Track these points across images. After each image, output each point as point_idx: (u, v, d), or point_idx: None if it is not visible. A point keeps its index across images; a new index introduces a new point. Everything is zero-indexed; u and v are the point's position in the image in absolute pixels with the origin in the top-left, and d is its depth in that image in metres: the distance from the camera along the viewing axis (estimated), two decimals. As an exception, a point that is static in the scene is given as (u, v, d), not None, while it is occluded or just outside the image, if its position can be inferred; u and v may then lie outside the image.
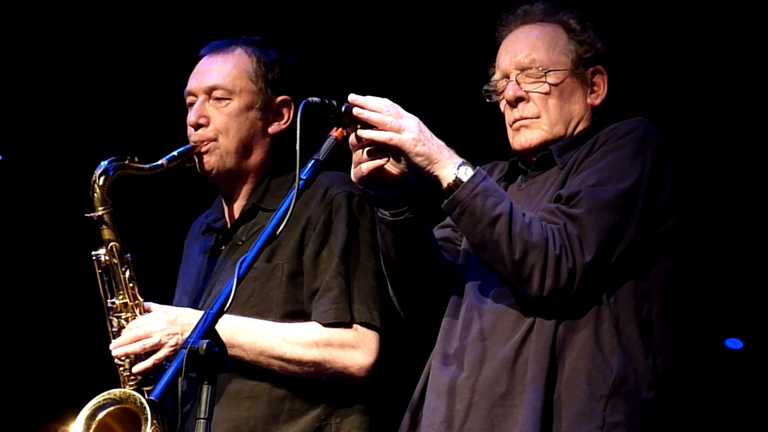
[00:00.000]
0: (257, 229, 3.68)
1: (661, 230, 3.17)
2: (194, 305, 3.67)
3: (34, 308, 5.60)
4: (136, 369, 3.54)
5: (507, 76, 3.37)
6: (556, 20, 3.39)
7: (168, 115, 4.12)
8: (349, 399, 3.58)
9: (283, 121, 3.75)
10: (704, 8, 4.86)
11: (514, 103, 3.34)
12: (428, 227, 3.26)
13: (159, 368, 3.52)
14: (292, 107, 3.73)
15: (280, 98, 3.73)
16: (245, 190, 3.75)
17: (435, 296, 3.31)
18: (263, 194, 3.72)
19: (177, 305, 3.69)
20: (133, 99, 5.44)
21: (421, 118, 3.10)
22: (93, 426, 3.32)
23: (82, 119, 5.50)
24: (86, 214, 3.57)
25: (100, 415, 3.33)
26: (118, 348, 3.55)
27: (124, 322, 3.59)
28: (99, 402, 3.34)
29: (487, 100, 3.44)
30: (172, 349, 3.51)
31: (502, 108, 3.41)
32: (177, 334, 3.52)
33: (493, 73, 3.44)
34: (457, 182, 3.08)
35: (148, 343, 3.52)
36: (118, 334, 3.59)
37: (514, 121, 3.36)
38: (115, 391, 3.37)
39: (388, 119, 3.05)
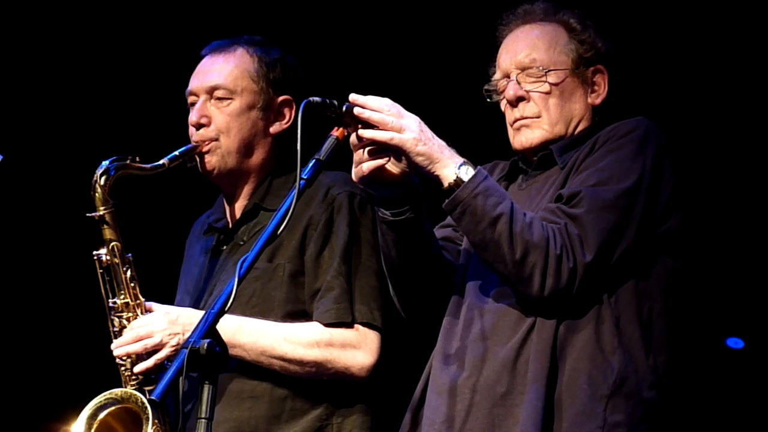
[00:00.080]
0: (259, 228, 3.67)
1: (661, 230, 3.17)
2: (195, 305, 3.67)
3: (35, 308, 5.59)
4: (137, 369, 3.54)
5: (507, 76, 3.37)
6: (556, 20, 3.39)
7: (169, 115, 4.12)
8: (351, 399, 3.58)
9: (285, 120, 3.75)
10: (704, 8, 4.85)
11: (514, 102, 3.34)
12: (429, 227, 3.26)
13: (160, 368, 3.52)
14: (294, 107, 3.73)
15: (281, 98, 3.73)
16: (247, 189, 3.74)
17: (436, 296, 3.31)
18: (265, 194, 3.71)
19: (178, 305, 3.69)
20: (135, 99, 5.43)
21: (421, 118, 3.10)
22: (94, 426, 3.33)
23: (84, 119, 5.49)
24: (87, 214, 3.57)
25: (102, 415, 3.34)
26: (119, 348, 3.55)
27: (125, 321, 3.59)
28: (100, 402, 3.35)
29: (488, 100, 3.43)
30: (173, 348, 3.51)
31: (502, 107, 3.41)
32: (178, 333, 3.52)
33: (494, 73, 3.44)
34: (458, 182, 3.08)
35: (149, 342, 3.52)
36: (119, 333, 3.58)
37: (515, 121, 3.36)
38: (117, 391, 3.38)
39: (389, 119, 3.05)
